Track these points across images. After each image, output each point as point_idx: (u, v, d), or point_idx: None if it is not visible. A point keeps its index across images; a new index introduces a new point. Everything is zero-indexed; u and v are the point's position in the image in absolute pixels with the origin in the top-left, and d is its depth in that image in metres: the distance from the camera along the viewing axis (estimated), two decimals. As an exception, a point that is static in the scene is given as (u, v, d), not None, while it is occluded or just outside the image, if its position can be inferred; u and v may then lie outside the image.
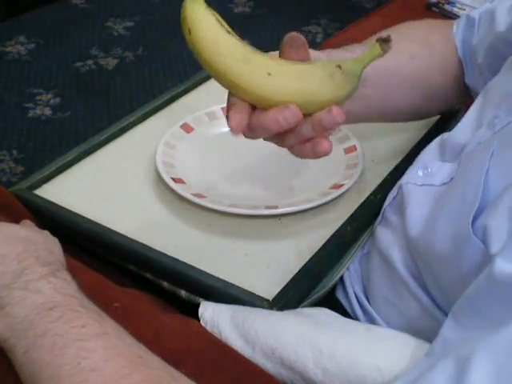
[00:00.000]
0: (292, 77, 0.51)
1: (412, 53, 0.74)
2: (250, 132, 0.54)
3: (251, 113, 0.53)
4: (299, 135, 0.54)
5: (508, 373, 0.37)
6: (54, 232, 0.73)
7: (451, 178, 0.60)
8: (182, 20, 0.50)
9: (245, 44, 0.51)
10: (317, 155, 0.56)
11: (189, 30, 0.49)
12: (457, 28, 0.76)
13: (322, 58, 0.62)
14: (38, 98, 1.95)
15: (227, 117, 0.53)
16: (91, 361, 0.44)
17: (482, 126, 0.60)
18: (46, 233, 0.59)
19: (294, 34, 0.54)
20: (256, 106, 0.53)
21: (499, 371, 0.37)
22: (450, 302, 0.54)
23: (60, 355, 0.44)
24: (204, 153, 0.79)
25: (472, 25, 0.75)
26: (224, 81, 0.51)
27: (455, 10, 1.32)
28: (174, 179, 0.73)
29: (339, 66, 0.52)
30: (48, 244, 0.56)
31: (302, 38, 0.54)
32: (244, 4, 2.50)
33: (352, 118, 0.66)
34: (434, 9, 1.34)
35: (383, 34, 0.54)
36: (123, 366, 0.44)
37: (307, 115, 0.52)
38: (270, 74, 0.49)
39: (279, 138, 0.56)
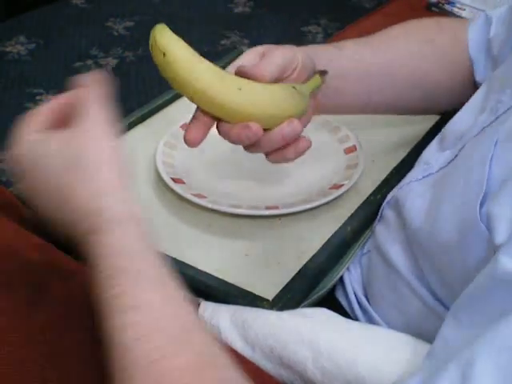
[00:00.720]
0: (260, 93, 0.55)
1: (413, 52, 0.74)
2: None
3: (220, 123, 0.55)
4: (265, 147, 0.57)
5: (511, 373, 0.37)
6: (54, 232, 0.73)
7: (448, 163, 0.60)
8: (153, 46, 0.52)
9: (212, 63, 0.54)
10: (299, 153, 0.59)
11: (163, 54, 0.52)
12: (472, 25, 0.76)
13: (308, 54, 0.64)
14: (38, 98, 1.95)
15: (186, 129, 0.55)
16: (124, 337, 0.40)
17: (484, 112, 0.60)
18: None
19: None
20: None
21: (503, 374, 0.37)
22: (453, 296, 0.54)
23: (103, 326, 0.41)
24: (204, 153, 0.79)
25: (489, 22, 0.75)
26: (201, 97, 0.53)
27: (455, 10, 1.32)
28: (173, 179, 0.73)
29: (294, 88, 0.58)
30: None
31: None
32: (244, 4, 2.50)
33: (324, 108, 0.70)
34: (433, 9, 1.34)
35: (321, 68, 0.63)
36: (156, 347, 0.39)
37: (268, 129, 0.56)
38: (240, 90, 0.54)
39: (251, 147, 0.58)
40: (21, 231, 0.66)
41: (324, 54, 0.69)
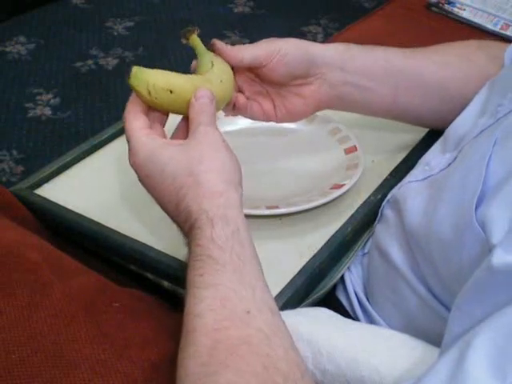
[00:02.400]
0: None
1: (447, 63, 0.75)
2: None
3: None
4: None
5: (506, 353, 0.38)
6: (55, 232, 0.73)
7: (449, 164, 0.60)
8: (139, 86, 0.59)
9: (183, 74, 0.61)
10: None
11: (148, 92, 0.58)
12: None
13: (339, 50, 0.71)
14: (38, 98, 1.95)
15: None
16: (198, 307, 0.47)
17: (484, 115, 0.60)
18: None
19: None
20: None
21: (498, 352, 0.38)
22: (450, 294, 0.54)
23: (185, 298, 0.49)
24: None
25: None
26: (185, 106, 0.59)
27: (455, 10, 1.32)
28: (174, 179, 0.73)
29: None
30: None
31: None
32: (244, 4, 2.50)
33: (352, 106, 0.75)
34: (433, 9, 1.34)
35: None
36: (223, 319, 0.46)
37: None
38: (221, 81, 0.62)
39: None
40: (21, 231, 0.66)
41: (350, 52, 0.71)
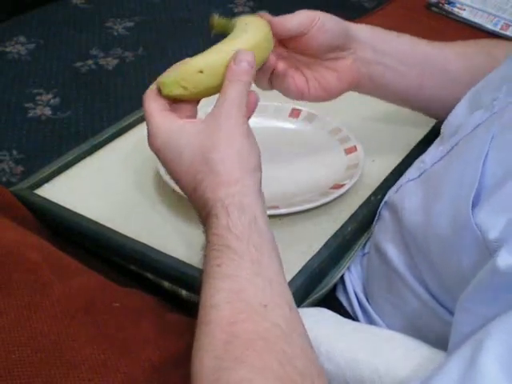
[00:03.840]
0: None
1: (467, 53, 0.76)
2: None
3: None
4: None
5: None
6: (55, 232, 0.73)
7: (441, 157, 0.60)
8: (173, 90, 0.55)
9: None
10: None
11: (184, 88, 0.55)
12: None
13: (344, 26, 0.69)
14: (37, 98, 1.95)
15: None
16: (214, 298, 0.46)
17: (480, 109, 0.60)
18: None
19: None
20: None
21: (510, 353, 0.38)
22: (449, 294, 0.54)
23: (201, 288, 0.48)
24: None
25: None
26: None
27: (455, 10, 1.32)
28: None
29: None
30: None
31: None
32: (244, 4, 2.49)
33: (382, 91, 0.74)
34: (433, 9, 1.34)
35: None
36: (240, 312, 0.45)
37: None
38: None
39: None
40: (21, 231, 0.66)
41: (381, 35, 0.72)
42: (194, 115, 0.57)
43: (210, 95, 0.57)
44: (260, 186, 0.53)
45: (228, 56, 0.55)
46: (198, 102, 0.58)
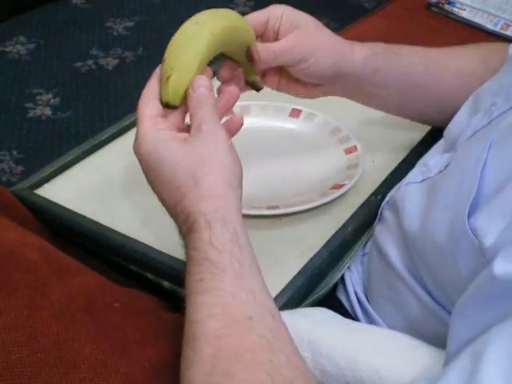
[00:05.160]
0: None
1: (461, 69, 0.75)
2: None
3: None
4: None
5: None
6: (55, 232, 0.73)
7: (446, 166, 0.60)
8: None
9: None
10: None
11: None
12: None
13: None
14: (38, 98, 1.95)
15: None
16: (198, 314, 0.46)
17: (477, 113, 0.60)
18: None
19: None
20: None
21: (511, 362, 0.38)
22: (449, 297, 0.54)
23: (186, 307, 0.48)
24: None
25: None
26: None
27: (455, 10, 1.32)
28: (174, 179, 0.73)
29: None
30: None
31: None
32: (244, 4, 2.50)
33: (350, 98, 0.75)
34: (433, 9, 1.34)
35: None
36: (224, 327, 0.45)
37: None
38: None
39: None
40: (21, 231, 0.66)
41: (377, 62, 0.71)
42: (181, 123, 0.56)
43: None
44: (241, 203, 0.52)
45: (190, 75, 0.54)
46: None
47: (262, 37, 0.66)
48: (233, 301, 0.46)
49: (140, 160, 0.54)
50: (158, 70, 0.56)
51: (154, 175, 0.53)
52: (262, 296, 0.48)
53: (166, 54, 0.55)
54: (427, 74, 0.74)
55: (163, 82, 0.54)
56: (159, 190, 0.53)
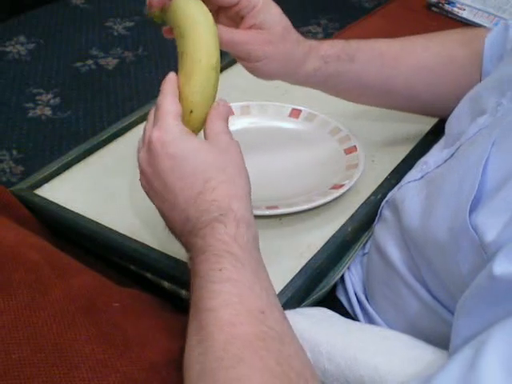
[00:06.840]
0: None
1: (426, 66, 0.75)
2: None
3: None
4: None
5: None
6: (55, 232, 0.73)
7: (445, 160, 0.60)
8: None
9: None
10: None
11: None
12: (491, 33, 0.75)
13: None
14: (37, 98, 1.95)
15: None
16: (213, 302, 0.47)
17: (484, 113, 0.60)
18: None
19: None
20: None
21: (511, 354, 0.38)
22: (450, 296, 0.54)
23: (194, 293, 0.49)
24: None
25: (507, 28, 0.74)
26: None
27: (455, 10, 1.32)
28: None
29: None
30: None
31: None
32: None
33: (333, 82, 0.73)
34: (433, 9, 1.34)
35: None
36: (237, 315, 0.46)
37: None
38: None
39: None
40: (21, 231, 0.66)
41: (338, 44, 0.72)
42: None
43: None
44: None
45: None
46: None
47: (224, 10, 0.65)
48: (249, 293, 0.48)
49: (162, 147, 0.54)
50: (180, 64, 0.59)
51: (171, 164, 0.53)
52: (272, 295, 0.50)
53: (185, 33, 0.59)
54: (381, 73, 0.74)
55: (186, 111, 0.57)
56: (173, 180, 0.53)
